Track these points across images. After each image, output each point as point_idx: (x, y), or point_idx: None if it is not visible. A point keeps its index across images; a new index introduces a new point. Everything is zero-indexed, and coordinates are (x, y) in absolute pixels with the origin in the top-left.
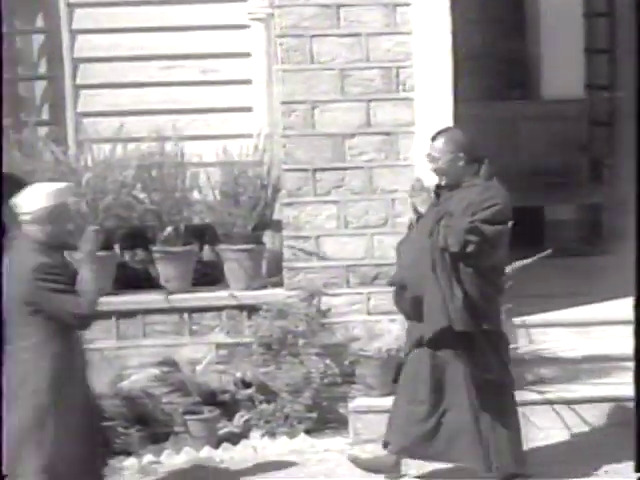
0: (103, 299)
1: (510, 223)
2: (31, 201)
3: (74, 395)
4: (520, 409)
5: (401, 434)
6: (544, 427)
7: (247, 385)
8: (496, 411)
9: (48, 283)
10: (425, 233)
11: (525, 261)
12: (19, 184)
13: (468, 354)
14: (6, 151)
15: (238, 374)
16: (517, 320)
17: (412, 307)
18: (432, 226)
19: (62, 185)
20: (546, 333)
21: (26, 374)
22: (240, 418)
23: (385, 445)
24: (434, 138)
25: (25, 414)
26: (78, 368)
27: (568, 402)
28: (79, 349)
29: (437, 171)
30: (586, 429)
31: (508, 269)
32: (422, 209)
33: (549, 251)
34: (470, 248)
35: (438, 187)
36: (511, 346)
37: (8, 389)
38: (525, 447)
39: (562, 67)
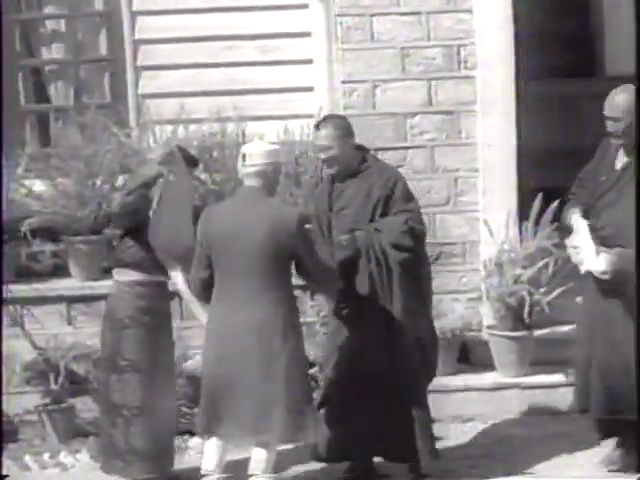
0: None
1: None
2: (261, 155)
3: None
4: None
5: None
6: None
7: (310, 365)
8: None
9: (308, 237)
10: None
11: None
12: (191, 159)
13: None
14: (66, 135)
15: None
16: (579, 299)
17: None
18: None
19: (278, 146)
20: None
21: (285, 328)
22: None
23: None
24: (319, 127)
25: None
26: None
27: None
28: None
29: (330, 160)
30: None
31: None
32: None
33: None
34: (414, 240)
35: (333, 178)
36: (574, 325)
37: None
38: None
39: (626, 43)
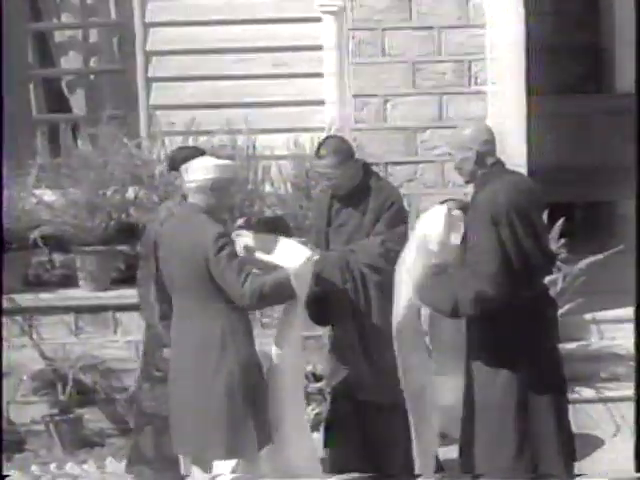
0: None
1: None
2: (197, 171)
3: None
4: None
5: None
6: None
7: (318, 378)
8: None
9: (225, 254)
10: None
11: (597, 256)
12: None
13: None
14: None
15: (309, 367)
16: (588, 316)
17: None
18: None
19: (228, 162)
20: (617, 329)
21: (223, 343)
22: (311, 412)
23: None
24: (319, 155)
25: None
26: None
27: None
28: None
29: (333, 187)
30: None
31: (581, 264)
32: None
33: (621, 246)
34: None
35: (332, 196)
36: (582, 342)
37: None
38: None
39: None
